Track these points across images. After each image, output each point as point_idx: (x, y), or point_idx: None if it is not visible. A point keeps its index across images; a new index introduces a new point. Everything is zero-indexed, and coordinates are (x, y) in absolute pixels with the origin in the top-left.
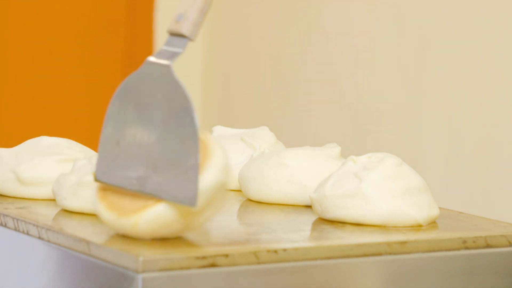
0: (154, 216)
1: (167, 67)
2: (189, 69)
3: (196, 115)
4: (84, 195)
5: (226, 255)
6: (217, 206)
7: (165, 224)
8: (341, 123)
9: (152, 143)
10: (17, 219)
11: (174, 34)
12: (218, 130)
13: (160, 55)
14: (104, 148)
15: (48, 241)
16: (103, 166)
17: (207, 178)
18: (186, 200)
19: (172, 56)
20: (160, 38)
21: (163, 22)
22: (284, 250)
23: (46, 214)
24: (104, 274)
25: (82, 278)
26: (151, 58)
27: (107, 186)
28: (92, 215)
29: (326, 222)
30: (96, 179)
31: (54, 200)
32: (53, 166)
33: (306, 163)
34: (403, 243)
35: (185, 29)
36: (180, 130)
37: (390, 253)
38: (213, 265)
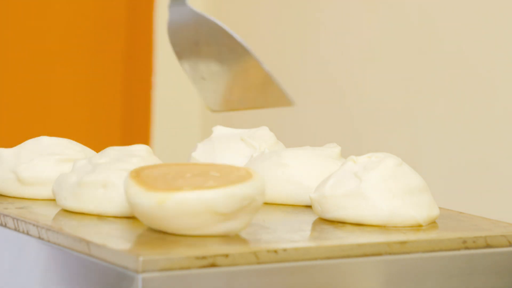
0: (184, 200)
1: (185, 7)
2: None
3: (233, 33)
4: (84, 195)
5: (226, 255)
6: (245, 218)
7: (190, 212)
8: (341, 123)
9: (223, 69)
10: (17, 219)
11: None
12: (218, 130)
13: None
14: (198, 85)
15: (48, 241)
16: (209, 98)
17: (244, 187)
18: (283, 102)
19: None
20: (160, 38)
21: (163, 22)
22: (284, 250)
23: (46, 214)
24: (104, 274)
25: (82, 278)
26: (170, 5)
27: (148, 167)
28: (92, 215)
29: (326, 222)
30: (213, 110)
31: (54, 200)
32: (53, 166)
33: (306, 163)
34: (403, 243)
35: None
36: (235, 54)
37: (390, 253)
38: (213, 265)
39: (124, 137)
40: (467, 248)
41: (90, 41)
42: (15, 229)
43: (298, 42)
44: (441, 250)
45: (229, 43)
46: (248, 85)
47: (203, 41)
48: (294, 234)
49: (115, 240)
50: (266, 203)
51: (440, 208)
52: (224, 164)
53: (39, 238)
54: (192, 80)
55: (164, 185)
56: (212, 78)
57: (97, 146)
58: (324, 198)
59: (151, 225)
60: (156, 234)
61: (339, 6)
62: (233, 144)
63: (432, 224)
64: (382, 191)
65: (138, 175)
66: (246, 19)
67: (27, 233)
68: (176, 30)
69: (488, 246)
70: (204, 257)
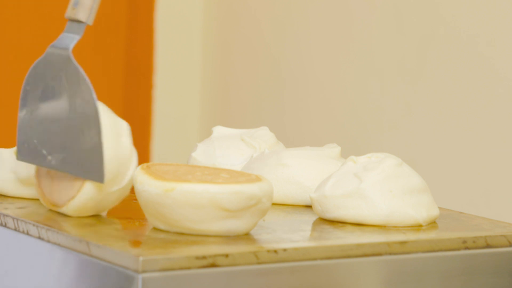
0: (191, 190)
1: (66, 52)
2: (188, 69)
3: (95, 97)
4: None
5: (226, 255)
6: (250, 219)
7: (195, 203)
8: (341, 123)
9: (62, 124)
10: (17, 219)
11: (72, 20)
12: (218, 130)
13: (60, 41)
14: (21, 130)
15: (48, 241)
16: (22, 146)
17: (251, 187)
18: (95, 177)
19: (71, 41)
20: (161, 38)
21: (163, 22)
22: (284, 250)
23: (46, 214)
24: (104, 274)
25: (82, 278)
26: (53, 45)
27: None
28: (92, 215)
29: (326, 222)
30: (18, 159)
31: None
32: None
33: (306, 163)
34: (403, 243)
35: (81, 15)
36: (83, 112)
37: (390, 253)
38: (213, 265)
39: None
40: (467, 248)
41: (91, 41)
42: (15, 229)
43: (298, 42)
44: (441, 250)
45: (85, 104)
46: (73, 150)
47: (59, 91)
48: (294, 234)
49: (115, 240)
50: None
51: (440, 208)
52: (236, 170)
53: (39, 238)
54: (20, 119)
55: (173, 177)
56: (40, 129)
57: None
58: (324, 198)
59: (155, 216)
60: (157, 234)
61: (339, 6)
62: (233, 144)
63: (432, 224)
64: (382, 191)
65: (148, 167)
66: (245, 19)
67: (27, 233)
68: (42, 70)
69: (488, 246)
70: (204, 257)
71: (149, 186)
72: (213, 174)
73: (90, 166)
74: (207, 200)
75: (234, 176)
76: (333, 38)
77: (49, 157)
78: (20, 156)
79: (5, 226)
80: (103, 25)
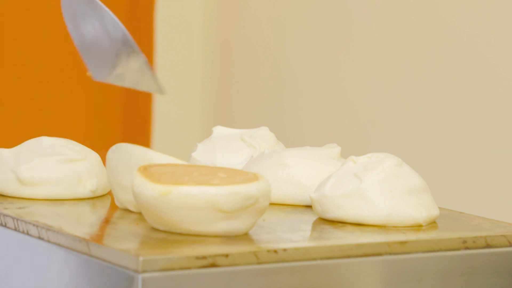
0: (188, 193)
1: None
2: (188, 69)
3: (119, 21)
4: None
5: (226, 255)
6: (248, 219)
7: (192, 206)
8: (341, 123)
9: (111, 48)
10: (17, 219)
11: None
12: (218, 130)
13: None
14: (86, 54)
15: (48, 241)
16: (93, 68)
17: (248, 187)
18: (157, 89)
19: None
20: (160, 38)
21: (163, 22)
22: (284, 250)
23: (46, 214)
24: (104, 274)
25: (82, 278)
26: None
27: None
28: (92, 215)
29: (326, 222)
30: (94, 79)
31: (54, 200)
32: (53, 166)
33: (306, 163)
34: (403, 243)
35: None
36: (116, 39)
37: (390, 253)
38: (213, 265)
39: (125, 137)
40: (467, 248)
41: None
42: (15, 229)
43: (298, 42)
44: (441, 250)
45: (115, 33)
46: (127, 67)
47: (83, 16)
48: (294, 234)
49: (115, 240)
50: None
51: (440, 208)
52: (234, 168)
53: (39, 238)
54: (77, 47)
55: (170, 179)
56: (101, 53)
57: (98, 146)
58: (324, 198)
59: (153, 218)
60: (157, 234)
61: (339, 6)
62: (233, 144)
63: (432, 224)
64: (382, 191)
65: (145, 169)
66: (245, 19)
67: (27, 233)
68: (71, 4)
69: (488, 246)
70: (204, 257)
71: (146, 189)
72: (210, 174)
73: (151, 81)
74: (204, 202)
75: (231, 176)
76: (333, 38)
77: (115, 75)
78: (95, 76)
79: (5, 226)
80: None
